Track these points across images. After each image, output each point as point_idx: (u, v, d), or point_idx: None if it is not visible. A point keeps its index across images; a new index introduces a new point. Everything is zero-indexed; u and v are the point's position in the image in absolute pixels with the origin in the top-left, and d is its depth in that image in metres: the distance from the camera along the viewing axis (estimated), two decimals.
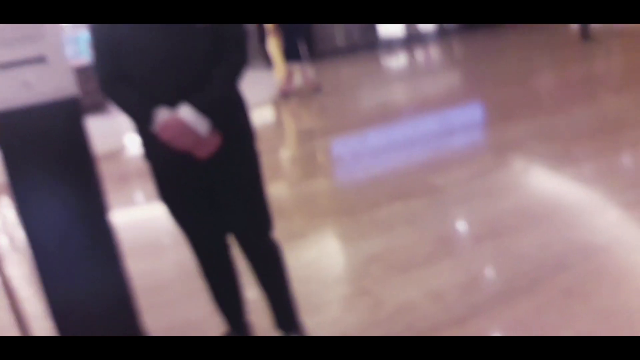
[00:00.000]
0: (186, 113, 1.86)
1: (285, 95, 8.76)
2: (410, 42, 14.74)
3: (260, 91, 9.18)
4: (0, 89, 1.88)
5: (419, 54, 13.22)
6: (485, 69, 9.30)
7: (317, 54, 12.93)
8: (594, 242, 3.01)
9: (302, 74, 8.87)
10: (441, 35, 15.33)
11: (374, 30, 14.94)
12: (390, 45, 14.62)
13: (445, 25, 16.05)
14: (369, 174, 4.83)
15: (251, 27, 11.79)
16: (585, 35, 10.43)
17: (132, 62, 1.88)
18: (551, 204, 3.61)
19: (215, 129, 1.93)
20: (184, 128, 1.85)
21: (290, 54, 8.37)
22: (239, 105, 2.07)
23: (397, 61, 12.81)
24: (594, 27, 10.68)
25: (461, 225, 3.53)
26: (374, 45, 14.43)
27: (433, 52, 13.39)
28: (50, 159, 1.97)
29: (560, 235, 3.15)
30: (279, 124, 7.97)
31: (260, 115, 8.03)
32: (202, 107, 1.87)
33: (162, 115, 1.88)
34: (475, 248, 3.19)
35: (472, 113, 6.79)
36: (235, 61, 1.94)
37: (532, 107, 6.32)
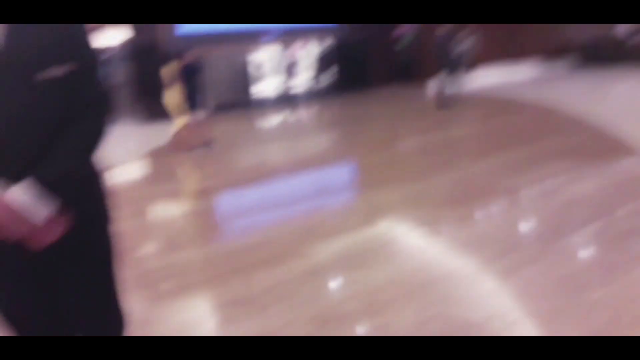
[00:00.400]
0: (18, 191, 1.47)
1: (182, 149, 8.53)
2: (283, 102, 14.92)
3: (136, 146, 8.63)
4: None
5: (292, 115, 13.38)
6: (356, 133, 9.58)
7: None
8: (471, 319, 2.99)
9: (197, 125, 8.58)
10: (313, 96, 15.75)
11: (246, 88, 14.96)
12: (263, 104, 14.68)
13: (317, 87, 16.56)
14: (243, 238, 4.60)
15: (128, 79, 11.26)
16: (441, 104, 11.27)
17: None
18: (425, 276, 3.60)
19: (59, 212, 1.55)
20: (11, 212, 1.46)
21: (192, 103, 8.18)
22: (91, 182, 1.72)
23: (271, 121, 12.85)
24: (451, 93, 11.55)
25: (335, 302, 3.39)
26: (247, 104, 14.43)
27: (305, 113, 13.62)
28: None
29: (437, 310, 3.11)
30: (154, 181, 7.49)
31: (129, 173, 7.54)
32: (40, 183, 1.50)
33: None
34: (351, 328, 3.04)
35: (344, 176, 6.85)
36: (90, 128, 1.58)
37: (399, 172, 6.55)
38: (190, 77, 8.18)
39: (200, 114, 8.43)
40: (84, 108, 1.57)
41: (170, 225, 5.25)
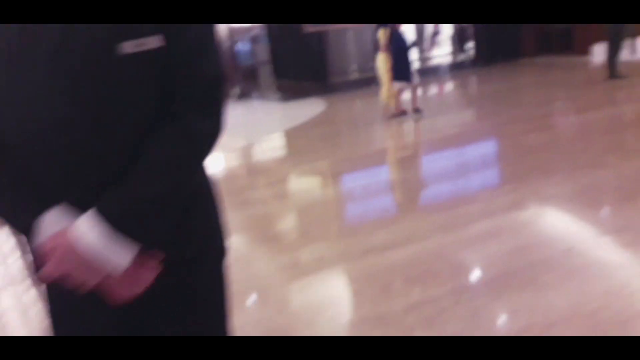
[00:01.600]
0: (87, 230, 0.99)
1: (394, 116, 8.44)
2: (422, 75, 14.23)
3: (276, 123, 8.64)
4: None
5: (432, 89, 12.68)
6: (503, 110, 8.66)
7: (331, 87, 12.54)
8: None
9: (411, 94, 8.50)
10: (455, 69, 14.84)
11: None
12: None
13: (460, 60, 15.63)
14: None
15: None
16: (612, 73, 9.79)
17: (13, 119, 1.01)
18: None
19: (149, 252, 1.07)
20: (79, 257, 0.99)
21: (400, 73, 8.00)
22: (197, 206, 1.18)
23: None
24: (623, 61, 10.01)
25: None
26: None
27: (447, 88, 12.83)
28: None
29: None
30: (293, 157, 7.38)
31: (271, 149, 7.47)
32: (118, 219, 1.01)
33: (48, 227, 1.02)
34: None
35: (492, 157, 6.19)
36: (195, 129, 1.06)
37: (562, 159, 5.42)
38: (400, 44, 7.93)
39: (411, 81, 8.15)
40: (186, 99, 1.06)
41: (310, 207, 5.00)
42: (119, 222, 1.00)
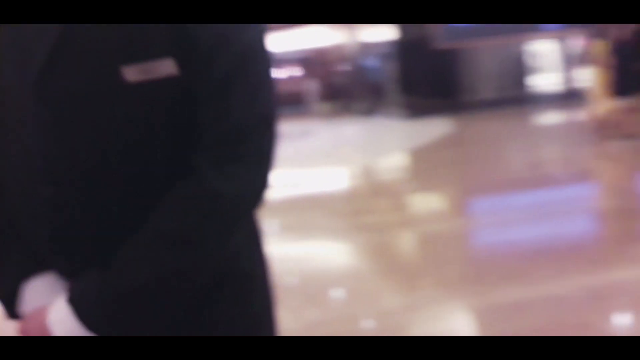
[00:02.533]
0: (59, 320, 0.79)
1: (615, 137, 7.42)
2: (568, 98, 13.22)
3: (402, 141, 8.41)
4: None
5: (579, 114, 11.61)
6: None
7: (460, 106, 12.28)
8: None
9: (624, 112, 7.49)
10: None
11: (525, 83, 13.75)
12: (544, 100, 13.21)
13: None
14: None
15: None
16: None
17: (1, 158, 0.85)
18: None
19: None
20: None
21: (620, 87, 7.28)
22: (236, 296, 0.89)
23: (549, 119, 11.37)
24: None
25: None
26: (525, 100, 13.17)
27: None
28: None
29: None
30: (414, 176, 6.96)
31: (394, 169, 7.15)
32: (93, 318, 0.78)
33: (30, 300, 0.83)
34: None
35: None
36: (221, 195, 0.77)
37: None
38: (623, 58, 7.18)
39: (628, 101, 7.32)
40: (213, 149, 0.77)
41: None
42: (94, 324, 0.78)
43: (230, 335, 0.86)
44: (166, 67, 0.74)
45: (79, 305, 0.78)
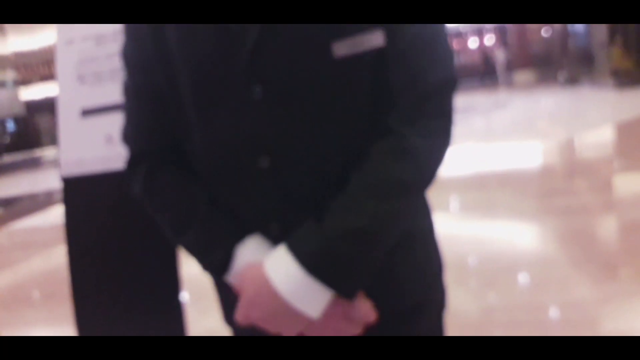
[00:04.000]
0: (279, 271, 0.84)
1: None
2: None
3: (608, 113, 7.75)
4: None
5: None
6: None
7: None
8: None
9: None
10: None
11: None
12: None
13: None
14: None
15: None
16: None
17: (207, 136, 0.91)
18: None
19: (352, 302, 0.88)
20: (273, 301, 0.84)
21: None
22: (418, 248, 0.98)
23: None
24: None
25: None
26: None
27: None
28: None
29: None
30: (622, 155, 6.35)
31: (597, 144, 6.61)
32: (313, 261, 0.82)
33: (242, 262, 0.89)
34: None
35: None
36: (419, 151, 0.85)
37: None
38: None
39: None
40: (408, 110, 0.85)
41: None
42: (313, 264, 0.83)
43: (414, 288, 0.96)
44: (375, 40, 0.82)
45: (299, 249, 0.83)
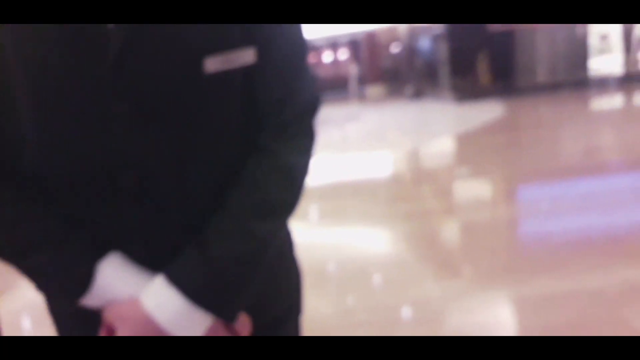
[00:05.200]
0: (163, 307, 0.79)
1: None
2: (628, 82, 12.64)
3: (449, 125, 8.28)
4: None
5: (638, 97, 11.09)
6: None
7: (514, 89, 11.95)
8: None
9: None
10: None
11: (584, 66, 13.20)
12: (603, 84, 12.66)
13: None
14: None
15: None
16: None
17: (49, 153, 0.81)
18: None
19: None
20: (150, 331, 0.80)
21: None
22: (285, 259, 1.00)
23: (609, 103, 10.90)
24: None
25: None
26: (583, 84, 12.64)
27: None
28: None
29: None
30: (460, 162, 6.83)
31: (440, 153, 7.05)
32: (197, 291, 0.80)
33: (103, 282, 0.81)
34: None
35: None
36: (294, 168, 0.86)
37: None
38: None
39: None
40: (279, 129, 0.85)
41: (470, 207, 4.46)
42: (200, 296, 0.79)
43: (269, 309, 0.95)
44: (247, 56, 0.80)
45: (183, 281, 0.79)
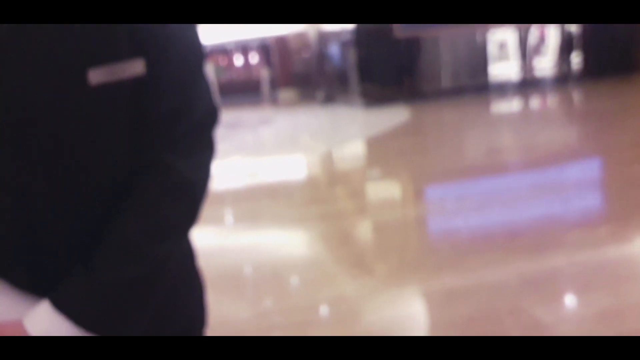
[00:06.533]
0: (40, 328, 0.74)
1: None
2: (525, 87, 13.46)
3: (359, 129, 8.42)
4: None
5: (534, 102, 11.84)
6: (609, 129, 7.70)
7: (419, 94, 12.33)
8: None
9: None
10: (560, 82, 13.89)
11: (484, 72, 13.92)
12: (502, 89, 13.40)
13: (567, 72, 14.68)
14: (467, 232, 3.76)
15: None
16: None
17: None
18: None
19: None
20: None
21: None
22: (187, 276, 0.95)
23: (507, 107, 11.56)
24: None
25: None
26: (484, 89, 13.31)
27: (550, 101, 11.97)
28: None
29: None
30: (372, 165, 6.97)
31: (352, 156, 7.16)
32: (82, 313, 0.74)
33: None
34: None
35: (587, 178, 5.43)
36: (192, 183, 0.81)
37: None
38: None
39: None
40: (174, 142, 0.79)
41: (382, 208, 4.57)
42: (85, 320, 0.74)
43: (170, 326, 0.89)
44: (135, 68, 0.74)
45: (68, 306, 0.74)
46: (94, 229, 0.77)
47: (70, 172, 0.75)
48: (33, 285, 0.76)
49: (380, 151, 7.80)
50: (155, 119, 0.78)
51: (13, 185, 0.74)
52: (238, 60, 20.13)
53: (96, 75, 0.72)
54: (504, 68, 15.86)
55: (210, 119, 0.84)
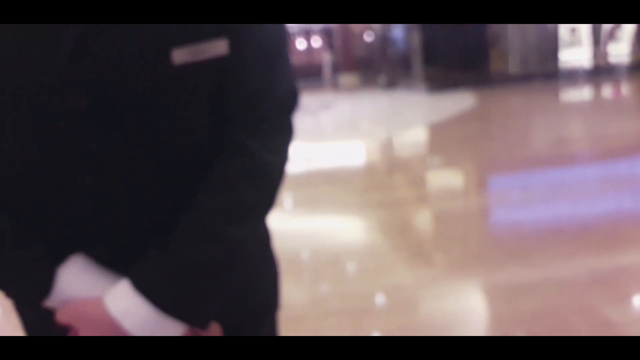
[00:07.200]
0: (127, 311, 0.75)
1: None
2: (597, 74, 12.87)
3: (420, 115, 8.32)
4: None
5: (607, 90, 11.30)
6: None
7: (486, 80, 12.06)
8: None
9: None
10: (637, 70, 13.18)
11: (555, 58, 13.38)
12: (573, 76, 12.86)
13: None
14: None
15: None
16: None
17: (5, 154, 0.77)
18: None
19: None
20: (112, 331, 0.76)
21: None
22: (264, 259, 0.98)
23: (578, 95, 11.08)
24: None
25: None
26: (554, 75, 12.81)
27: (625, 90, 11.41)
28: None
29: None
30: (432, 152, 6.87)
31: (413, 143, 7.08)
32: (169, 300, 0.75)
33: (65, 284, 0.77)
34: None
35: None
36: (269, 167, 0.82)
37: None
38: None
39: None
40: (253, 125, 0.80)
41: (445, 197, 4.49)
42: (166, 303, 0.75)
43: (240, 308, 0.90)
44: (219, 48, 0.75)
45: (147, 286, 0.75)
46: (173, 207, 0.79)
47: (152, 150, 0.76)
48: (113, 260, 0.79)
49: (443, 138, 7.65)
50: (236, 100, 0.79)
51: (96, 163, 0.76)
52: (300, 44, 20.18)
53: (180, 55, 0.72)
54: (575, 54, 15.15)
55: (290, 102, 0.84)
